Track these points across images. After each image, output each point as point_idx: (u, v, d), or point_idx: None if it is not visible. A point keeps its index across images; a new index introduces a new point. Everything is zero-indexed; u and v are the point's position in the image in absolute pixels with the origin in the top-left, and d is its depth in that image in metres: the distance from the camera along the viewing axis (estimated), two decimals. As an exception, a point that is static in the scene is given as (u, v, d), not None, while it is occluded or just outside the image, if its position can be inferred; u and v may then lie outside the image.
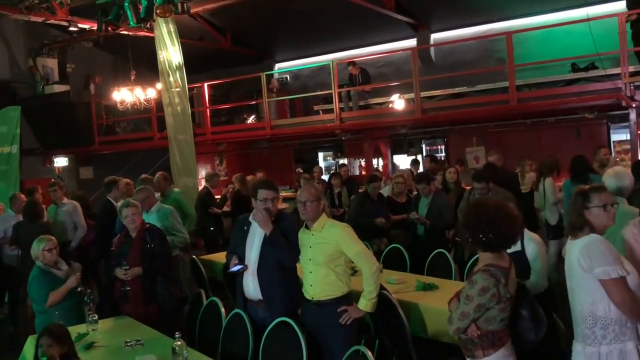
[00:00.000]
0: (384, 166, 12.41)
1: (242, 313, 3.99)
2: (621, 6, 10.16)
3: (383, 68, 13.26)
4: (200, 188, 10.44)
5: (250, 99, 13.31)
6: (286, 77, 15.16)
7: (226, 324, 4.14)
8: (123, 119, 13.89)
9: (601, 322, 2.85)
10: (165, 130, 11.57)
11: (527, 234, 3.80)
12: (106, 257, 5.84)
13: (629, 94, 8.07)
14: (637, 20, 8.08)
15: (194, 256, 6.51)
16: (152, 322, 4.38)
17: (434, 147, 13.41)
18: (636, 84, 8.10)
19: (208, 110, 12.39)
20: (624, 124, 9.37)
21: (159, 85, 11.53)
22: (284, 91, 13.84)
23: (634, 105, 8.14)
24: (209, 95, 12.52)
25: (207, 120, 12.39)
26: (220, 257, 6.36)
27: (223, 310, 4.28)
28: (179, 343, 3.35)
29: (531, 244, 3.79)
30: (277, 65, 15.37)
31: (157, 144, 12.54)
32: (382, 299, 4.20)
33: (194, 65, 12.61)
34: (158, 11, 9.55)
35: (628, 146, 9.84)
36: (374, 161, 12.54)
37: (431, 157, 10.34)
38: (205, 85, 12.20)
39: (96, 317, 4.31)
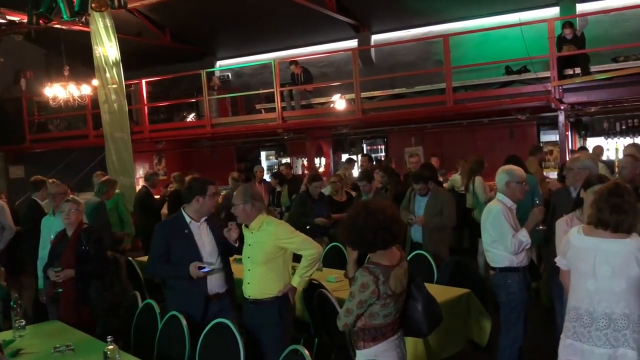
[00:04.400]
0: (326, 165, 12.48)
1: (179, 315, 3.91)
2: (551, 12, 10.64)
3: (325, 68, 13.33)
4: (137, 188, 10.18)
5: (190, 97, 13.10)
6: (228, 75, 14.99)
7: (162, 327, 4.05)
8: (57, 116, 13.36)
9: None
10: (101, 128, 11.25)
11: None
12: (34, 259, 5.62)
13: (557, 97, 8.43)
14: None
15: (130, 257, 6.33)
16: (85, 326, 4.28)
17: (375, 147, 13.60)
18: (565, 87, 8.46)
19: (146, 107, 12.09)
20: (553, 126, 9.80)
21: (95, 82, 11.17)
22: (225, 89, 13.67)
23: (562, 108, 8.49)
24: (148, 93, 12.23)
25: (145, 118, 12.09)
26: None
27: (159, 312, 4.20)
28: (111, 347, 3.24)
29: None
30: (219, 63, 15.19)
31: (92, 142, 12.19)
32: (321, 297, 4.24)
33: (132, 61, 12.28)
34: (93, 5, 9.20)
35: (552, 147, 10.41)
36: (317, 160, 12.58)
37: (369, 157, 10.37)
38: (143, 82, 11.91)
39: (23, 323, 4.13)
